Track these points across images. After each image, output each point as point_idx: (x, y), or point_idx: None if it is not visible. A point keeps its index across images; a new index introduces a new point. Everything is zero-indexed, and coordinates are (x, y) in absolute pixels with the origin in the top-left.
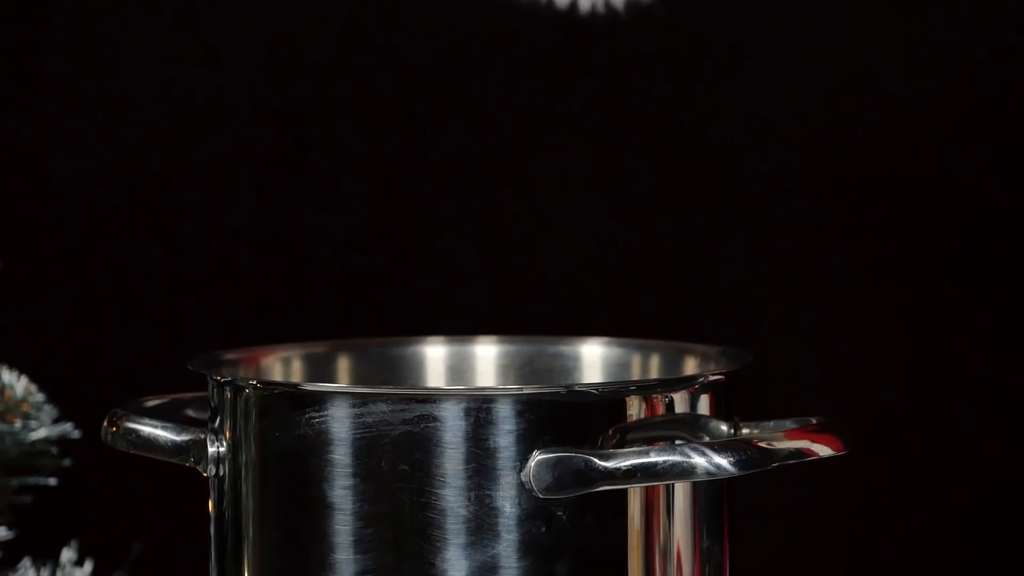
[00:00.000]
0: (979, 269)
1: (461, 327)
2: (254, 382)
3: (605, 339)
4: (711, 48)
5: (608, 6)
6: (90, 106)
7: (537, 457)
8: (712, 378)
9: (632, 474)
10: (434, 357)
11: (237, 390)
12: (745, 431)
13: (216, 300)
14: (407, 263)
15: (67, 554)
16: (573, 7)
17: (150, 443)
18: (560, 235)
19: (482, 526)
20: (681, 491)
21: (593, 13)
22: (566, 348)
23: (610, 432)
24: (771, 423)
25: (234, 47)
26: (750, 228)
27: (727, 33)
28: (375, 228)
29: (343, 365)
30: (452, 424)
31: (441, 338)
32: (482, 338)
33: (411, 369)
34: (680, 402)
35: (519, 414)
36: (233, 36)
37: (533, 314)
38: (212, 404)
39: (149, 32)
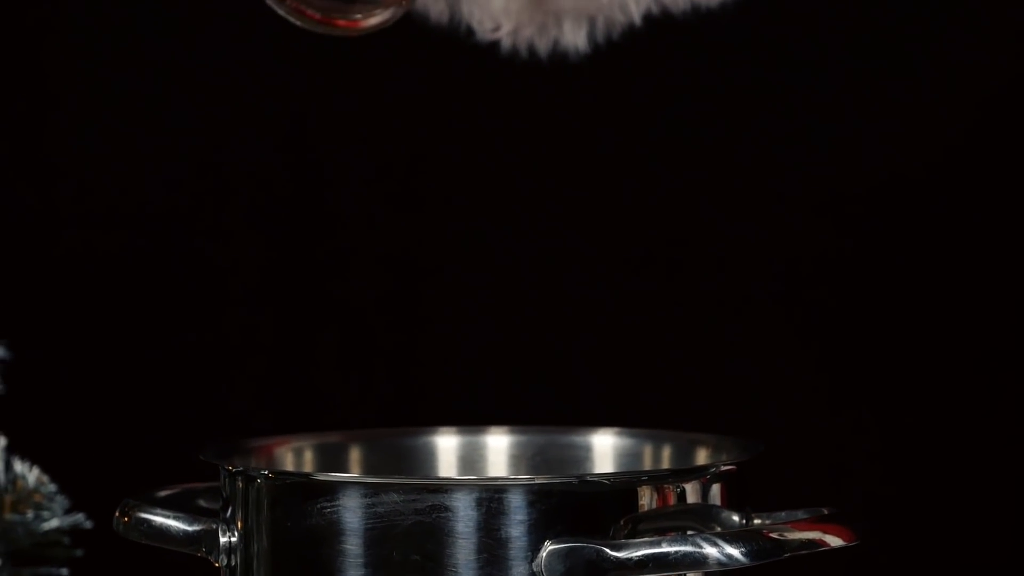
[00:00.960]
0: (984, 358)
1: (472, 417)
2: (266, 472)
3: (616, 429)
4: (708, 147)
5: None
6: (102, 187)
7: (549, 547)
8: (723, 468)
9: (644, 564)
10: (446, 447)
11: (249, 480)
12: (757, 521)
13: (228, 389)
14: (419, 353)
15: None
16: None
17: (162, 533)
18: (571, 324)
19: None
20: None
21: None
22: (578, 438)
23: (622, 522)
24: (783, 513)
25: (244, 120)
26: (761, 317)
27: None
28: (386, 317)
29: (355, 455)
30: (464, 514)
31: (453, 428)
32: (494, 428)
33: (423, 459)
34: (692, 492)
35: (531, 504)
36: (245, 107)
37: (544, 404)
38: (224, 494)
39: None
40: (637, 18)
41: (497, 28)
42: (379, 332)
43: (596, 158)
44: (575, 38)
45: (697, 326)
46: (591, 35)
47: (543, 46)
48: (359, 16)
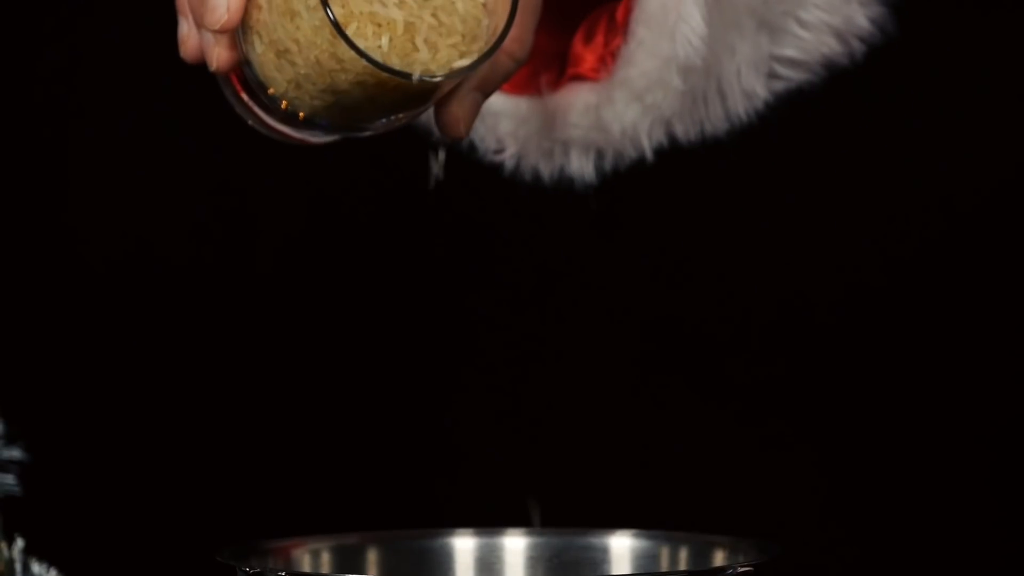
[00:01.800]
0: (992, 445)
1: (490, 519)
2: (283, 574)
3: (633, 531)
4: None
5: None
6: (112, 279)
7: None
8: (741, 570)
9: None
10: (463, 549)
11: None
12: None
13: (244, 491)
14: (436, 454)
15: None
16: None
17: None
18: (587, 425)
19: None
20: None
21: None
22: (595, 540)
23: None
24: None
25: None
26: (781, 418)
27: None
28: (403, 418)
29: (372, 557)
30: None
31: (470, 530)
32: (511, 530)
33: (440, 561)
34: None
35: None
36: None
37: (562, 506)
38: None
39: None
40: (649, 153)
41: (501, 150)
42: (396, 434)
43: (618, 260)
44: (582, 167)
45: (715, 427)
46: (599, 165)
47: (547, 172)
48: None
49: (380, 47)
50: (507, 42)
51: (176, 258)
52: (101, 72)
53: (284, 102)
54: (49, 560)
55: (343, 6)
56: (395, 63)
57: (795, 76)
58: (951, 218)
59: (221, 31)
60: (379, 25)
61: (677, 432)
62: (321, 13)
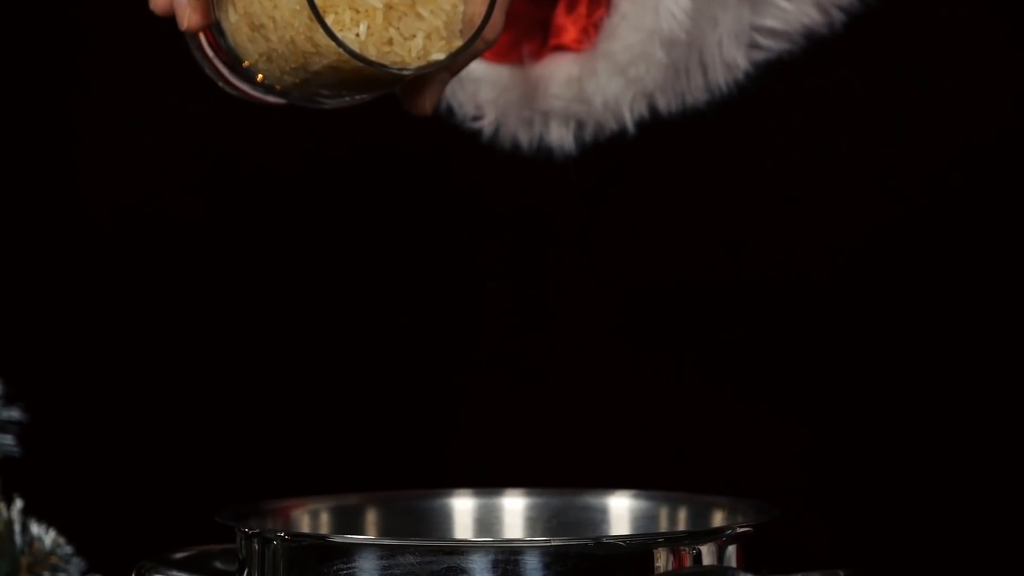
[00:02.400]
0: (992, 413)
1: (489, 479)
2: (282, 534)
3: (632, 491)
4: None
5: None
6: (119, 244)
7: None
8: (740, 530)
9: None
10: (462, 509)
11: (265, 542)
12: None
13: (244, 451)
14: (436, 415)
15: None
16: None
17: None
18: (587, 387)
19: None
20: None
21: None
22: (594, 500)
23: None
24: (798, 575)
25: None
26: (778, 379)
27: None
28: (404, 379)
29: (371, 517)
30: None
31: (469, 490)
32: (510, 490)
33: (439, 521)
34: (708, 554)
35: (547, 566)
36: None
37: (560, 466)
38: (240, 556)
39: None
40: (631, 126)
41: (479, 117)
42: (396, 394)
43: (616, 221)
44: (561, 138)
45: (714, 388)
46: (578, 136)
47: (527, 141)
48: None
49: (358, 35)
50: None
51: (180, 223)
52: (104, 40)
53: (259, 75)
54: (48, 521)
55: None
56: (371, 52)
57: (775, 46)
58: (933, 186)
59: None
60: (357, 11)
61: (675, 394)
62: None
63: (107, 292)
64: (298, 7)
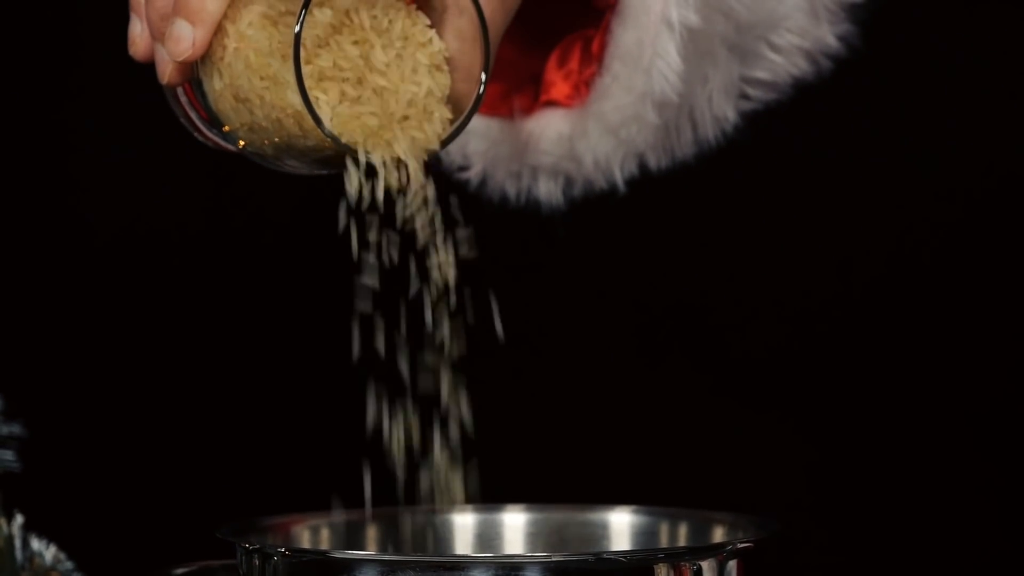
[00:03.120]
0: (990, 430)
1: (489, 495)
2: (283, 550)
3: (633, 507)
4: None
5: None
6: (117, 260)
7: None
8: (740, 546)
9: None
10: (462, 525)
11: (265, 557)
12: None
13: (244, 467)
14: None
15: None
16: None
17: None
18: (587, 402)
19: None
20: None
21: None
22: (594, 516)
23: None
24: None
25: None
26: (778, 397)
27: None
28: (402, 392)
29: (372, 533)
30: None
31: (469, 506)
32: (510, 506)
33: (440, 537)
34: (708, 570)
35: None
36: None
37: (561, 482)
38: (241, 571)
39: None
40: (622, 185)
41: (467, 168)
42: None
43: (624, 230)
44: (549, 192)
45: (714, 404)
46: (567, 191)
47: (514, 193)
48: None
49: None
50: (459, 83)
51: (180, 237)
52: (98, 49)
53: (240, 141)
54: (49, 536)
55: (324, 91)
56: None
57: (764, 96)
58: (921, 224)
59: (180, 63)
60: (345, 95)
61: (677, 410)
62: (299, 97)
63: (108, 308)
64: (291, 94)
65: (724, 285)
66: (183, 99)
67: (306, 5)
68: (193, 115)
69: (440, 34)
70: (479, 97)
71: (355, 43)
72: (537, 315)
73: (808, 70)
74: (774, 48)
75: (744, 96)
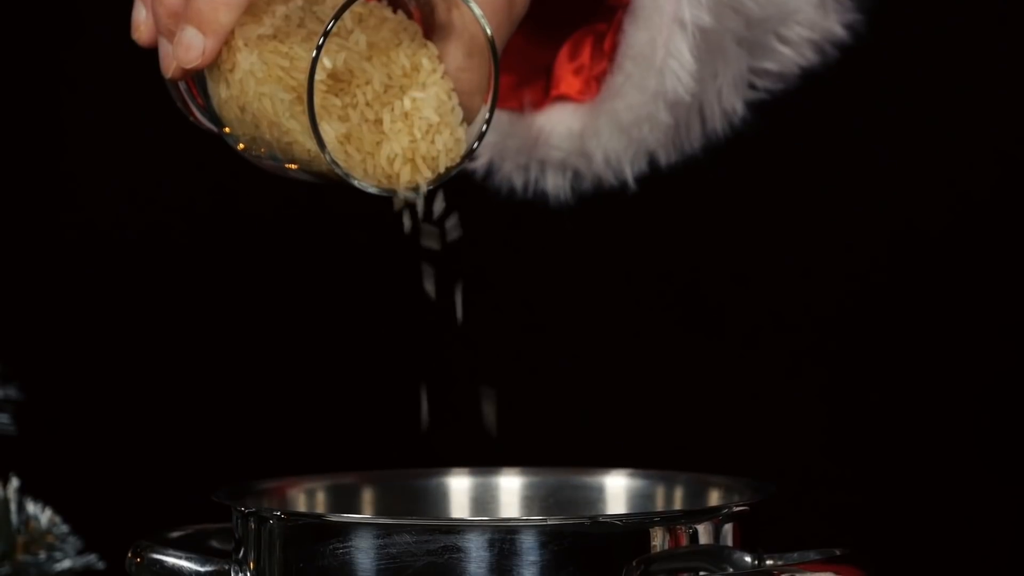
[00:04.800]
0: (993, 394)
1: (485, 458)
2: (279, 513)
3: (629, 470)
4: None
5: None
6: (117, 226)
7: None
8: (736, 509)
9: None
10: (458, 488)
11: (261, 521)
12: (769, 562)
13: (241, 431)
14: (432, 394)
15: None
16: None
17: (174, 574)
18: (583, 366)
19: None
20: None
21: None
22: (590, 479)
23: (634, 563)
24: (795, 554)
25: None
26: (774, 360)
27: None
28: (399, 359)
29: (367, 496)
30: (476, 555)
31: (465, 469)
32: (506, 469)
33: (435, 500)
34: (704, 533)
35: (543, 545)
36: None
37: (557, 445)
38: (236, 535)
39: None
40: (632, 182)
41: (474, 158)
42: (392, 374)
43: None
44: (557, 186)
45: (710, 368)
46: (575, 185)
47: (520, 184)
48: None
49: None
50: (463, 97)
51: (174, 208)
52: (94, 44)
53: (238, 144)
54: (44, 500)
55: (342, 119)
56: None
57: (772, 87)
58: (930, 207)
59: (188, 70)
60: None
61: (672, 374)
62: (308, 124)
63: (103, 273)
64: (303, 129)
65: (718, 256)
66: (183, 88)
67: (319, 49)
68: (192, 105)
69: (447, 50)
70: (488, 119)
71: (363, 91)
72: (536, 284)
73: (815, 60)
74: (783, 40)
75: (751, 87)
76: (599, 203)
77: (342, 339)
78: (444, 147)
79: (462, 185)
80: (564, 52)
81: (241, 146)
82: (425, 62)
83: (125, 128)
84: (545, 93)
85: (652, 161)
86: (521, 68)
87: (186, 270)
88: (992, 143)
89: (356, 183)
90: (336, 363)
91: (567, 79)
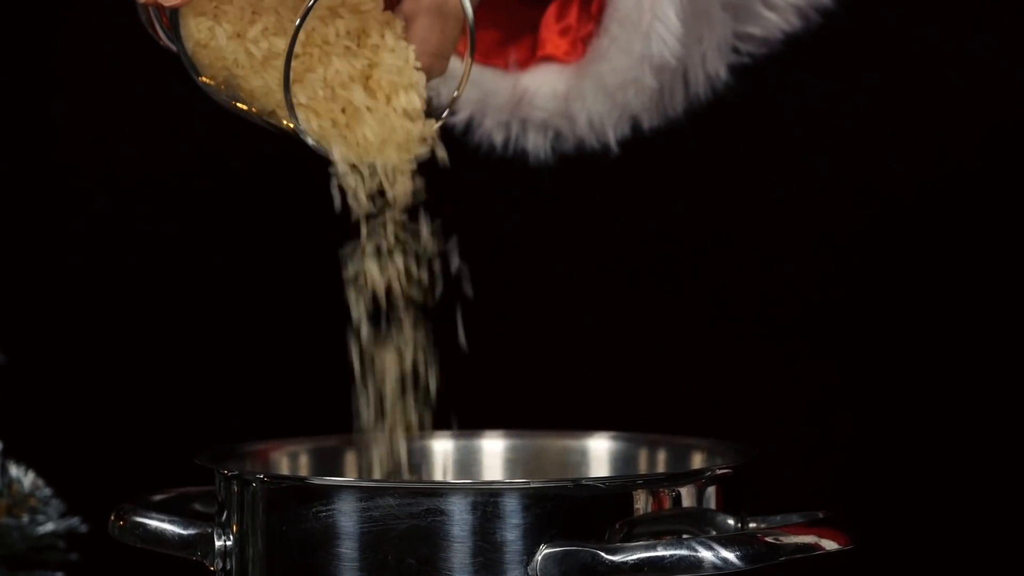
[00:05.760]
0: (978, 360)
1: (468, 421)
2: (261, 476)
3: (612, 433)
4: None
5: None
6: (100, 189)
7: (544, 551)
8: (719, 472)
9: (639, 568)
10: (441, 451)
11: (244, 484)
12: (752, 525)
13: (223, 393)
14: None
15: None
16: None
17: (157, 537)
18: (566, 328)
19: None
20: None
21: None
22: (573, 442)
23: (617, 526)
24: (778, 517)
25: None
26: (758, 321)
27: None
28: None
29: (350, 459)
30: (459, 518)
31: (448, 432)
32: (488, 432)
33: (418, 463)
34: (687, 496)
35: (526, 508)
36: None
37: (540, 408)
38: (219, 498)
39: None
40: (614, 146)
41: (452, 112)
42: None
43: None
44: (537, 146)
45: (693, 330)
46: (555, 145)
47: (500, 142)
48: None
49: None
50: (426, 58)
51: (161, 174)
52: (85, 15)
53: (208, 82)
54: (27, 463)
55: (308, 99)
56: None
57: (755, 52)
58: (918, 177)
59: (167, 6)
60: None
61: (655, 336)
62: (280, 95)
63: (86, 236)
64: (275, 87)
65: (699, 220)
66: (152, 12)
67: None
68: (158, 27)
69: (415, 12)
70: (465, 75)
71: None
72: (514, 245)
73: (799, 25)
74: (768, 5)
75: (735, 51)
76: (579, 164)
77: (325, 302)
78: (410, 112)
79: (443, 139)
80: (551, 12)
81: (208, 83)
82: (387, 33)
83: (109, 97)
84: (531, 52)
85: (635, 125)
86: (507, 25)
87: (167, 236)
88: (979, 109)
89: (310, 141)
90: (319, 326)
91: (553, 39)
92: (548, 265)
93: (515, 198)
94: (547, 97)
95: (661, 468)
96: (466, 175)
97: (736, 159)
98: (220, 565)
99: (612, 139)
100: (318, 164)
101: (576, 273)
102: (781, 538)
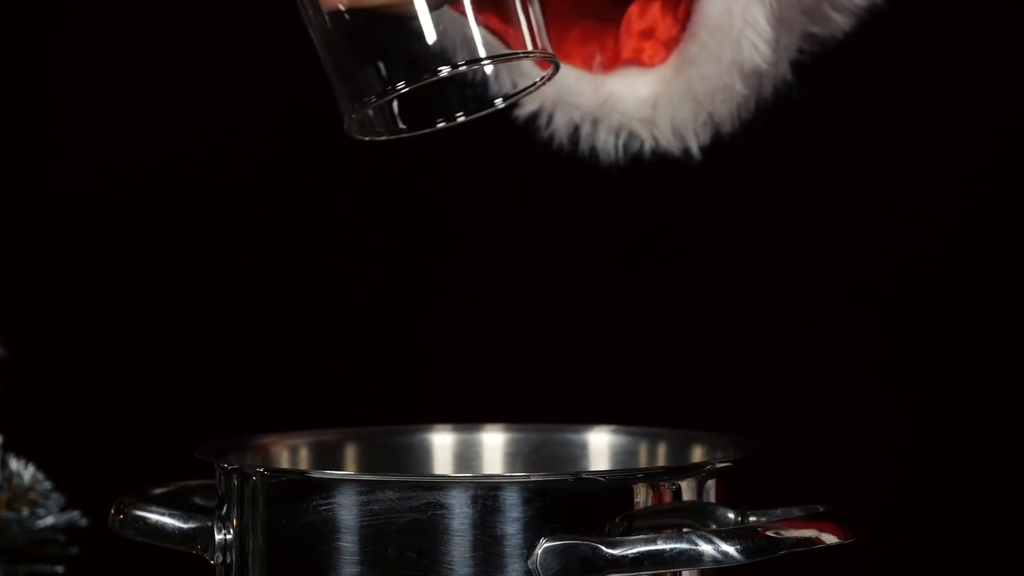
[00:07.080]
0: (979, 355)
1: (468, 415)
2: (261, 470)
3: (612, 427)
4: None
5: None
6: (100, 180)
7: (544, 545)
8: (719, 466)
9: (639, 561)
10: (441, 445)
11: (244, 477)
12: (752, 519)
13: (224, 387)
14: (415, 351)
15: None
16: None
17: (157, 531)
18: (567, 322)
19: None
20: None
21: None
22: (573, 436)
23: (617, 520)
24: (778, 511)
25: (247, 116)
26: (758, 316)
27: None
28: (382, 315)
29: (350, 453)
30: (459, 512)
31: (448, 426)
32: (489, 426)
33: (418, 457)
34: (687, 490)
35: (526, 502)
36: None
37: (540, 401)
38: (219, 492)
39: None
40: (696, 152)
41: (519, 103)
42: (376, 330)
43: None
44: (608, 145)
45: (693, 324)
46: (627, 147)
47: (566, 137)
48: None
49: None
50: None
51: (163, 158)
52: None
53: None
54: (27, 456)
55: None
56: None
57: (814, 50)
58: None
59: None
60: None
61: (657, 330)
62: None
63: (88, 229)
64: None
65: (705, 215)
66: None
67: None
68: None
69: None
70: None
71: None
72: (521, 240)
73: (854, 25)
74: (835, 7)
75: (799, 52)
76: (588, 163)
77: (326, 295)
78: None
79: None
80: (633, 10)
81: None
82: None
83: (110, 90)
84: (613, 52)
85: (716, 134)
86: (589, 22)
87: (170, 226)
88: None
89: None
90: (320, 319)
91: (634, 42)
92: (549, 260)
93: (523, 190)
94: (632, 102)
95: (661, 462)
96: (493, 172)
97: (787, 160)
98: (220, 559)
99: (694, 145)
100: (321, 158)
101: (577, 268)
102: (781, 532)
